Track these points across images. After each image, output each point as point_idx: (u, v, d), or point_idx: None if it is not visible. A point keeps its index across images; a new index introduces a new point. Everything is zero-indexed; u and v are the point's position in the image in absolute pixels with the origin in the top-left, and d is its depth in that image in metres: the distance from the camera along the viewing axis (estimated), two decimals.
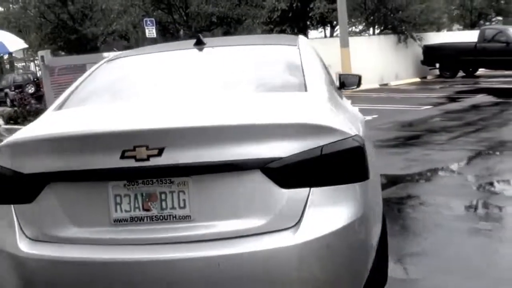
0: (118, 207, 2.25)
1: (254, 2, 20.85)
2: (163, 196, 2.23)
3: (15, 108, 13.40)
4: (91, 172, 2.25)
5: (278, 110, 2.45)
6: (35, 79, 23.79)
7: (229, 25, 20.97)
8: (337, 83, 3.87)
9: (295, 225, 2.18)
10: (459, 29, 31.94)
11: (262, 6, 20.45)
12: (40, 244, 2.32)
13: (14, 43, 14.21)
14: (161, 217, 2.23)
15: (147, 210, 2.24)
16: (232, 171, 2.18)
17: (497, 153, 7.19)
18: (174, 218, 2.23)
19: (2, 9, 28.44)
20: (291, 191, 2.19)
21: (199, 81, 3.04)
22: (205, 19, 20.94)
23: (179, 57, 3.40)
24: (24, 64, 34.70)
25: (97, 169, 2.23)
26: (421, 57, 20.87)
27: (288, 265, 2.16)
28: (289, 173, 2.18)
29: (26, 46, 16.62)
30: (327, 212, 2.21)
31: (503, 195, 5.37)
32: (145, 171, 2.19)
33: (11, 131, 7.98)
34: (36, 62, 27.84)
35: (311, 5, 20.95)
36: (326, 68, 3.47)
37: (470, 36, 20.81)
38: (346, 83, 4.05)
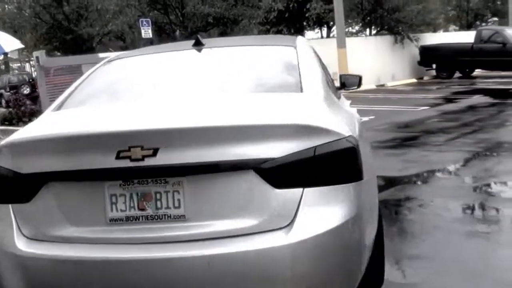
0: (114, 206, 2.28)
1: (250, 2, 20.88)
2: (158, 196, 2.26)
3: (10, 109, 13.31)
4: (87, 172, 2.28)
5: (272, 111, 2.46)
6: (31, 80, 23.76)
7: (225, 26, 21.00)
8: (338, 84, 3.87)
9: (288, 225, 2.20)
10: (455, 30, 32.01)
11: (259, 6, 20.46)
12: (37, 243, 2.35)
13: (10, 43, 14.14)
14: (156, 217, 2.26)
15: (142, 209, 2.27)
16: (226, 171, 2.20)
17: (495, 154, 7.18)
18: (169, 218, 2.25)
19: None
20: (284, 191, 2.21)
21: (196, 82, 3.05)
22: (201, 20, 20.98)
23: (178, 58, 3.42)
24: (19, 64, 34.61)
25: (93, 169, 2.27)
26: (418, 58, 20.88)
27: (281, 265, 2.19)
28: (282, 174, 2.20)
29: (22, 46, 16.56)
30: (320, 212, 2.23)
31: (500, 196, 5.37)
32: (140, 171, 2.22)
33: (6, 132, 7.94)
34: (31, 62, 27.76)
35: (308, 6, 20.93)
36: (325, 68, 3.46)
37: (467, 37, 20.81)
38: (346, 84, 4.09)
